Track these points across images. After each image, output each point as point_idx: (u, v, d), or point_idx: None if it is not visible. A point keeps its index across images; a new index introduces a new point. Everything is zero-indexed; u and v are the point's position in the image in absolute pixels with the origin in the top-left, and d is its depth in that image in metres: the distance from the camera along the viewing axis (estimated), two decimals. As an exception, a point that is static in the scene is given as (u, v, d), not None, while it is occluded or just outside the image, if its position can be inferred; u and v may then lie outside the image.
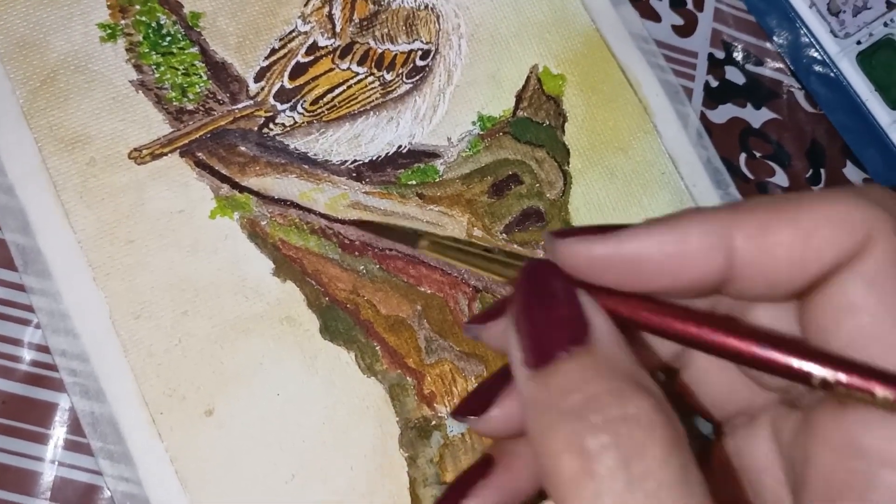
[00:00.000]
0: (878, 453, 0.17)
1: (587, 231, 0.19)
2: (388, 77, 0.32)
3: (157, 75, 0.30)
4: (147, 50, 0.30)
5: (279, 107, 0.30)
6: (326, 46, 0.31)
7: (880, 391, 0.16)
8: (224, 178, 0.29)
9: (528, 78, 0.33)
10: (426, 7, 0.33)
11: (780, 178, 0.36)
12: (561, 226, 0.32)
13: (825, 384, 0.17)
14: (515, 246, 0.31)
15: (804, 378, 0.17)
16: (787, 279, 0.18)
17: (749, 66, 0.37)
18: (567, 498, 0.16)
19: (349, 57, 0.31)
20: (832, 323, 0.18)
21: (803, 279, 0.18)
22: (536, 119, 0.33)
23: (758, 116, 0.36)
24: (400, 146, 0.31)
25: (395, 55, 0.32)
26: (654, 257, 0.18)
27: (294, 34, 0.31)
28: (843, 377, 0.17)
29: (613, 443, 0.16)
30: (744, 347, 0.18)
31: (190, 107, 0.30)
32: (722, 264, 0.18)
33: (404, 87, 0.32)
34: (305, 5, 0.32)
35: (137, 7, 0.30)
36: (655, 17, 0.36)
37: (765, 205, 0.18)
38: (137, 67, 0.30)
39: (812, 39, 0.36)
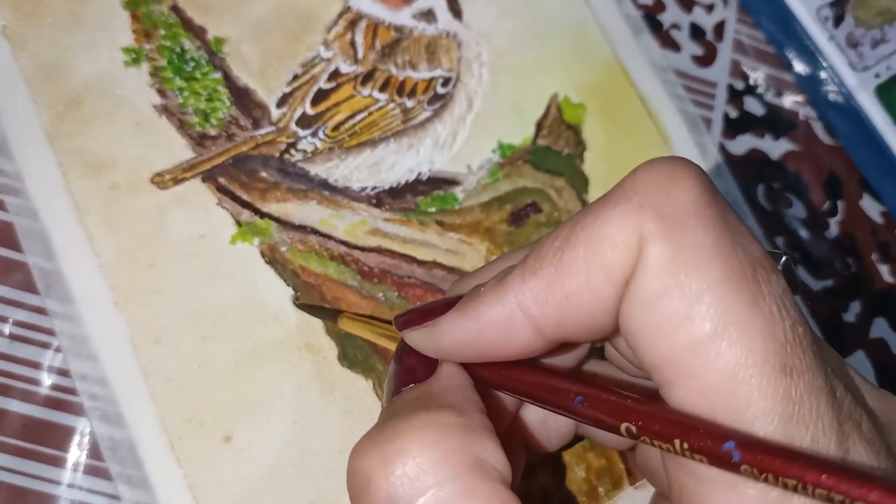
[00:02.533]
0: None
1: (414, 318, 0.21)
2: (409, 104, 0.32)
3: (180, 100, 0.30)
4: (171, 75, 0.30)
5: (301, 133, 0.31)
6: (348, 73, 0.31)
7: (678, 442, 0.16)
8: (245, 204, 0.29)
9: (549, 106, 0.33)
10: (448, 35, 0.33)
11: (798, 209, 0.36)
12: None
13: (632, 434, 0.17)
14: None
15: (615, 430, 0.17)
16: (596, 322, 0.18)
17: (768, 98, 0.37)
18: (352, 499, 0.18)
19: (371, 83, 0.32)
20: (634, 347, 0.17)
21: (608, 317, 0.17)
22: (556, 148, 0.33)
23: (776, 148, 0.36)
24: (420, 173, 0.31)
25: (417, 82, 0.32)
26: (463, 342, 0.19)
27: (316, 60, 0.31)
28: (633, 428, 0.17)
29: (407, 448, 0.17)
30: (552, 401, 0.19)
31: (212, 132, 0.30)
32: (529, 332, 0.18)
33: (425, 115, 0.32)
34: (328, 32, 0.32)
35: (162, 32, 0.30)
36: (675, 47, 0.36)
37: (547, 255, 0.18)
38: (161, 92, 0.30)
39: (831, 72, 0.36)
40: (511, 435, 0.24)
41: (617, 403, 0.17)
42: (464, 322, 0.19)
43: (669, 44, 0.36)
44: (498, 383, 0.20)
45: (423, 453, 0.17)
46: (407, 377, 0.20)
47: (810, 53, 0.37)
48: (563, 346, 0.20)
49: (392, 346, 0.25)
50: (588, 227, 0.17)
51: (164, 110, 0.30)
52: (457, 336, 0.19)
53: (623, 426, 0.17)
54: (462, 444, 0.17)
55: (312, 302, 0.29)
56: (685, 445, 0.16)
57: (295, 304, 0.29)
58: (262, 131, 0.30)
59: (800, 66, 0.37)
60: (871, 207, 0.37)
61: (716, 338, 0.16)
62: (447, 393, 0.19)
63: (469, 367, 0.20)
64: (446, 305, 0.20)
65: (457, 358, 0.20)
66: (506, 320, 0.18)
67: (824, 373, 0.16)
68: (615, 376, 0.23)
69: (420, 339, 0.20)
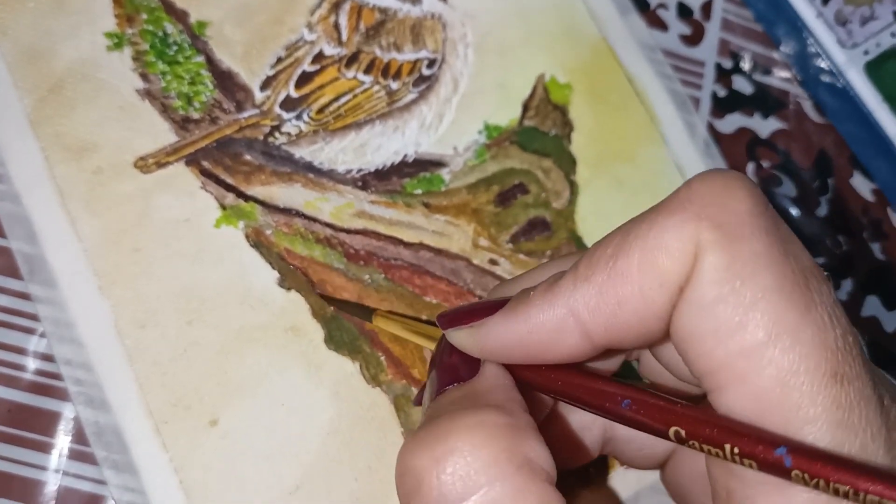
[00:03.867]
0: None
1: (459, 317, 0.21)
2: (394, 86, 0.32)
3: (163, 84, 0.30)
4: (153, 59, 0.30)
5: (285, 116, 0.30)
6: (332, 55, 0.31)
7: (728, 447, 0.16)
8: (229, 187, 0.29)
9: (535, 87, 0.33)
10: (432, 16, 0.33)
11: (788, 188, 0.36)
12: (567, 235, 0.32)
13: (680, 438, 0.17)
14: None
15: (665, 437, 0.17)
16: (647, 329, 0.18)
17: (757, 76, 0.37)
18: (402, 497, 0.18)
19: (355, 66, 0.31)
20: (685, 353, 0.18)
21: (660, 324, 0.18)
22: (543, 128, 0.33)
23: (765, 126, 0.36)
24: (406, 155, 0.31)
25: (402, 64, 0.32)
26: (510, 344, 0.19)
27: (300, 43, 0.31)
28: (682, 432, 0.17)
29: (458, 447, 0.17)
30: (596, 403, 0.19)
31: (196, 115, 0.30)
32: (578, 337, 0.18)
33: (410, 96, 0.32)
34: (312, 14, 0.32)
35: (144, 16, 0.30)
36: (663, 27, 0.36)
37: (599, 262, 0.18)
38: (144, 76, 0.30)
39: (820, 49, 0.36)
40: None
41: (666, 408, 0.17)
42: (513, 324, 0.19)
43: (657, 23, 0.36)
44: (541, 385, 0.20)
45: (474, 453, 0.17)
46: (450, 376, 0.20)
47: (799, 31, 0.36)
48: (606, 352, 0.20)
49: (426, 345, 0.25)
50: (643, 235, 0.17)
51: (147, 94, 0.29)
52: (505, 337, 0.20)
53: (672, 430, 0.17)
54: (511, 443, 0.17)
55: (341, 298, 0.29)
56: (736, 450, 0.16)
57: (323, 297, 0.29)
58: (246, 114, 0.30)
59: (788, 44, 0.37)
60: (861, 185, 0.37)
61: (769, 344, 0.16)
62: (492, 392, 0.19)
63: (511, 369, 0.21)
64: (492, 307, 0.20)
65: (502, 359, 0.20)
66: (556, 324, 0.19)
67: (872, 381, 0.17)
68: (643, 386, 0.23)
69: (465, 338, 0.21)
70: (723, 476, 0.18)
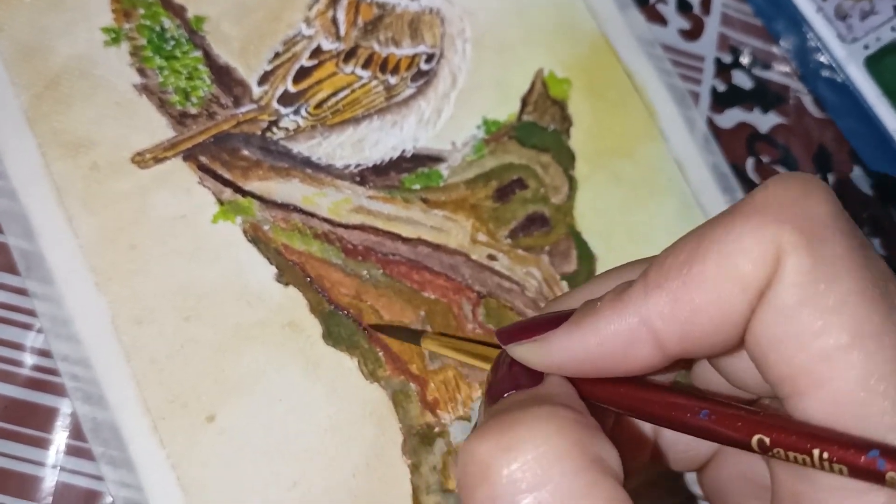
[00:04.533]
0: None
1: (520, 332, 0.20)
2: (393, 81, 0.32)
3: (160, 79, 0.29)
4: (150, 54, 0.30)
5: (283, 111, 0.30)
6: (330, 50, 0.31)
7: (816, 452, 0.16)
8: (227, 183, 0.29)
9: (534, 82, 0.33)
10: (431, 11, 0.33)
11: (788, 183, 0.36)
12: (566, 230, 0.32)
13: (763, 447, 0.17)
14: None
15: (745, 447, 0.17)
16: (723, 336, 0.18)
17: (756, 71, 0.37)
18: (467, 488, 0.17)
19: (353, 60, 0.31)
20: (763, 358, 0.17)
21: (736, 330, 0.17)
22: (541, 123, 0.33)
23: (765, 121, 0.36)
24: (404, 150, 0.31)
25: (400, 59, 0.32)
26: (579, 357, 0.19)
27: (298, 38, 0.31)
28: (766, 440, 0.16)
29: (530, 439, 0.17)
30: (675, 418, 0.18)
31: (193, 111, 0.29)
32: (652, 347, 0.18)
33: (409, 91, 0.32)
34: (310, 9, 0.32)
35: (141, 11, 0.30)
36: (662, 21, 0.36)
37: (672, 269, 0.17)
38: (141, 71, 0.29)
39: (819, 44, 0.36)
40: None
41: (747, 417, 0.17)
42: (581, 336, 0.19)
43: (656, 18, 0.36)
44: (607, 399, 0.20)
45: (546, 443, 0.17)
46: (511, 384, 0.20)
47: (798, 26, 0.36)
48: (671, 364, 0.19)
49: (477, 364, 0.24)
50: (719, 239, 0.17)
51: (145, 89, 0.29)
52: (572, 350, 0.19)
53: (755, 439, 0.16)
54: (583, 438, 0.17)
55: (386, 322, 0.29)
56: (825, 455, 0.15)
57: (369, 326, 0.29)
58: (244, 109, 0.30)
59: (788, 39, 0.37)
60: (861, 180, 0.37)
61: (852, 348, 0.16)
62: (559, 396, 0.19)
63: (574, 385, 0.20)
64: (555, 320, 0.19)
65: (569, 372, 0.20)
66: (628, 335, 0.18)
67: None
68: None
69: (529, 353, 0.20)
70: (789, 480, 0.17)
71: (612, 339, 0.18)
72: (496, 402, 0.19)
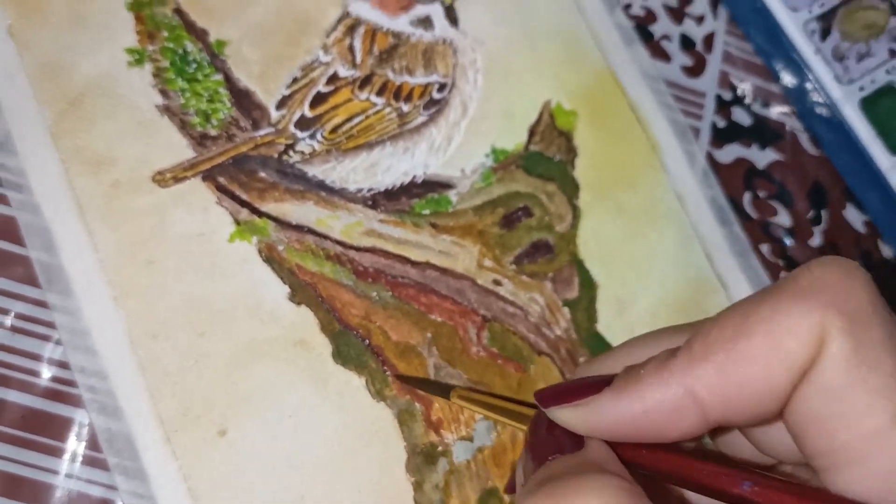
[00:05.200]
0: None
1: (562, 395, 0.21)
2: (406, 108, 0.33)
3: (182, 101, 0.30)
4: (173, 76, 0.31)
5: (299, 135, 0.31)
6: (346, 77, 0.32)
7: None
8: (243, 203, 0.30)
9: (541, 113, 0.34)
10: (444, 41, 0.34)
11: (783, 217, 0.37)
12: (569, 258, 0.33)
13: None
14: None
15: None
16: (765, 409, 0.18)
17: (755, 108, 0.38)
18: None
19: (368, 88, 0.32)
20: (803, 433, 0.18)
21: (777, 404, 0.18)
22: (548, 153, 0.34)
23: (763, 157, 0.37)
24: (415, 176, 0.32)
25: (413, 87, 0.33)
26: (623, 422, 0.19)
27: (316, 64, 0.32)
28: None
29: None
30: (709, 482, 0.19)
31: (213, 132, 0.30)
32: (696, 416, 0.19)
33: (421, 119, 0.33)
34: (327, 36, 0.33)
35: (165, 33, 0.31)
36: (666, 58, 0.37)
37: (718, 342, 0.18)
38: (163, 92, 0.30)
39: (817, 84, 0.37)
40: None
41: (791, 490, 0.17)
42: (626, 402, 0.19)
43: (660, 54, 0.37)
44: (648, 464, 0.20)
45: None
46: (554, 447, 0.20)
47: (797, 66, 0.38)
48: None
49: (509, 423, 0.25)
50: (766, 318, 0.18)
51: (166, 110, 0.30)
52: (616, 416, 0.19)
53: None
54: None
55: (418, 376, 0.29)
56: None
57: (400, 378, 0.29)
58: (262, 132, 0.31)
59: (787, 78, 0.38)
60: (854, 217, 0.38)
61: (893, 428, 0.17)
62: (605, 462, 0.19)
63: (613, 447, 0.20)
64: (596, 385, 0.20)
65: (612, 437, 0.20)
66: (673, 404, 0.19)
67: None
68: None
69: (572, 417, 0.20)
70: None
71: (657, 407, 0.19)
72: (541, 466, 0.20)
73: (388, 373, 0.30)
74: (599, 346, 0.32)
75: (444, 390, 0.28)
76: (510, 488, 0.24)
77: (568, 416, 0.20)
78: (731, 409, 0.18)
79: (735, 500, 0.18)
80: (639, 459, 0.20)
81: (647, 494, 0.21)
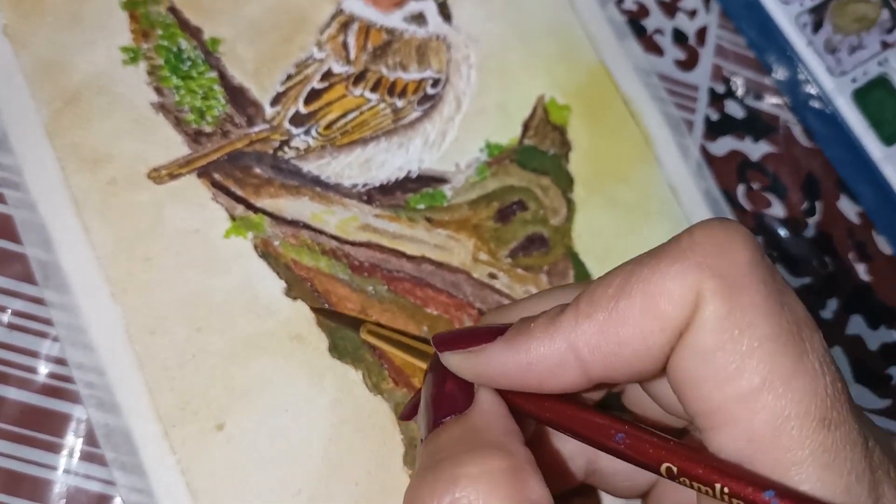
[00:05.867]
0: None
1: (456, 341, 0.21)
2: (400, 104, 0.33)
3: (177, 98, 0.31)
4: (168, 74, 0.31)
5: (294, 131, 0.31)
6: (341, 73, 0.32)
7: (718, 486, 0.17)
8: (239, 199, 0.30)
9: (535, 108, 0.34)
10: (437, 37, 0.34)
11: (777, 209, 0.37)
12: (564, 251, 0.33)
13: (671, 474, 0.18)
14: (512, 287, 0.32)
15: (655, 472, 0.18)
16: (644, 368, 0.19)
17: (748, 101, 0.38)
18: None
19: (362, 84, 0.32)
20: (682, 393, 0.18)
21: (656, 364, 0.19)
22: (542, 148, 0.34)
23: (756, 149, 0.37)
24: (409, 171, 0.32)
25: (407, 83, 0.33)
26: (508, 373, 0.20)
27: (310, 61, 0.32)
28: (674, 469, 0.17)
29: (464, 497, 0.18)
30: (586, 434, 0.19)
31: (208, 129, 0.31)
32: (577, 371, 0.19)
33: (415, 114, 0.33)
34: (321, 33, 0.33)
35: (159, 32, 0.31)
36: (658, 52, 0.37)
37: (601, 301, 0.19)
38: (158, 90, 0.31)
39: (809, 76, 0.37)
40: None
41: (659, 444, 0.18)
42: (513, 354, 0.20)
43: (653, 48, 0.37)
44: (534, 413, 0.21)
45: (481, 500, 0.18)
46: (446, 404, 0.21)
47: (789, 58, 0.38)
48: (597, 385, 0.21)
49: (415, 362, 0.26)
50: (645, 279, 0.18)
51: (161, 108, 0.30)
52: (503, 366, 0.20)
53: (664, 466, 0.18)
54: (515, 489, 0.18)
55: (323, 306, 0.30)
56: (726, 490, 0.17)
57: (314, 310, 0.29)
58: (257, 129, 0.31)
59: (779, 71, 0.38)
60: (847, 208, 0.38)
61: (763, 390, 0.17)
62: (491, 427, 0.20)
63: (503, 394, 0.21)
64: (490, 333, 0.20)
65: (496, 385, 0.21)
66: (556, 358, 0.19)
67: (858, 425, 0.17)
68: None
69: (462, 363, 0.21)
70: None
71: (541, 361, 0.19)
72: (432, 429, 0.20)
73: (385, 367, 0.30)
74: (595, 338, 0.32)
75: (354, 324, 0.29)
76: (406, 415, 0.25)
77: (458, 361, 0.21)
78: (612, 368, 0.19)
79: (610, 451, 0.19)
80: (527, 407, 0.21)
81: (531, 441, 0.21)
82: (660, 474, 0.18)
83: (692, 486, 0.17)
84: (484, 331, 0.21)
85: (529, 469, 0.19)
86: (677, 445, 0.18)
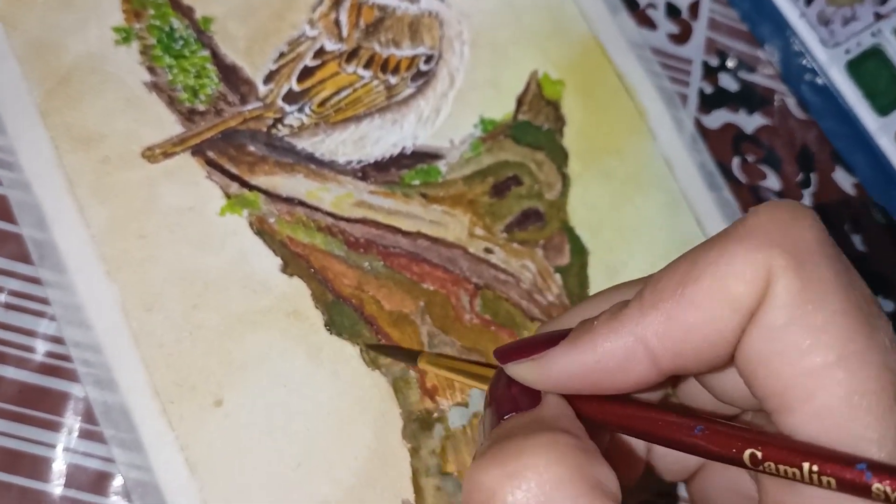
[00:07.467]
0: None
1: (518, 351, 0.21)
2: (393, 81, 0.33)
3: (169, 77, 0.31)
4: (160, 53, 0.31)
5: (287, 108, 0.31)
6: (333, 51, 0.32)
7: (806, 466, 0.17)
8: (233, 177, 0.30)
9: (529, 83, 0.34)
10: (430, 14, 0.34)
11: (772, 181, 0.37)
12: (559, 225, 0.33)
13: (755, 461, 0.17)
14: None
15: (737, 462, 0.18)
16: (715, 353, 0.18)
17: (742, 74, 0.38)
18: None
19: (355, 61, 0.32)
20: (753, 375, 0.18)
21: (727, 348, 0.18)
22: (536, 123, 0.34)
23: (750, 122, 0.37)
24: (404, 147, 0.32)
25: (400, 60, 0.33)
26: (575, 374, 0.20)
27: (302, 39, 0.32)
28: (758, 454, 0.17)
29: (531, 465, 0.17)
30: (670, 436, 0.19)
31: (201, 108, 0.31)
32: (647, 364, 0.19)
33: (408, 91, 0.33)
34: (313, 11, 0.33)
35: (151, 11, 0.31)
36: (651, 26, 0.37)
37: (667, 289, 0.18)
38: (151, 69, 0.30)
39: (803, 48, 0.37)
40: None
41: (739, 434, 0.18)
42: (579, 354, 0.19)
43: (646, 22, 0.37)
44: (604, 419, 0.20)
45: (549, 470, 0.17)
46: (510, 406, 0.21)
47: (782, 31, 0.38)
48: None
49: (477, 385, 0.25)
50: (713, 262, 0.18)
51: (154, 87, 0.30)
52: (570, 368, 0.20)
53: (747, 454, 0.17)
54: (583, 464, 0.18)
55: (384, 343, 0.30)
56: (815, 469, 0.16)
57: (365, 346, 0.29)
58: (250, 107, 0.31)
59: (772, 44, 0.38)
60: (843, 179, 0.38)
61: (837, 365, 0.17)
62: (558, 419, 0.20)
63: (570, 403, 0.21)
64: (552, 339, 0.20)
65: (567, 390, 0.20)
66: (624, 353, 0.19)
67: None
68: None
69: (527, 371, 0.21)
70: (777, 492, 0.18)
71: (608, 357, 0.19)
72: (497, 425, 0.20)
73: (382, 341, 0.30)
74: (592, 311, 0.32)
75: (411, 357, 0.29)
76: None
77: (524, 370, 0.21)
78: (682, 356, 0.18)
79: (688, 447, 0.18)
80: (596, 413, 0.20)
81: (605, 450, 0.21)
82: (742, 464, 0.17)
83: (777, 472, 0.17)
84: (544, 337, 0.20)
85: (598, 454, 0.18)
86: (758, 433, 0.18)
